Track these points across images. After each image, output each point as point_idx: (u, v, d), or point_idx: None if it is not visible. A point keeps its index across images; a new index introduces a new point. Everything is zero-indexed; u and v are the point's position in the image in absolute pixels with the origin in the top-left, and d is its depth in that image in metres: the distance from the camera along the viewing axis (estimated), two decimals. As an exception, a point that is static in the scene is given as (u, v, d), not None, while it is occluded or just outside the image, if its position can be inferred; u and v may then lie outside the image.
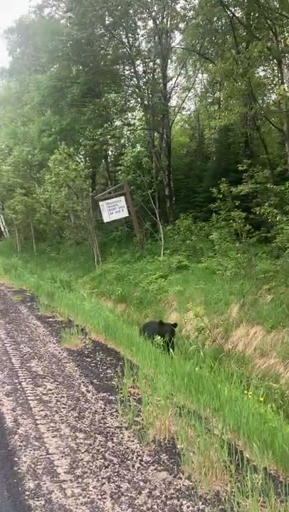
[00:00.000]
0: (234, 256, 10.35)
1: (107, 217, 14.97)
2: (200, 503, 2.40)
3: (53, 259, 18.82)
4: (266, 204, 10.09)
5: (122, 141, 18.54)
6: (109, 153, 21.02)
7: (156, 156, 16.80)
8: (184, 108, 22.99)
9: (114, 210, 14.83)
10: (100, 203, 14.98)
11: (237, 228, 11.39)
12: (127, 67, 19.70)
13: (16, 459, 2.86)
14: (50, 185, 16.43)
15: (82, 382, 4.32)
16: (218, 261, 11.15)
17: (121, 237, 17.41)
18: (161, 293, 11.22)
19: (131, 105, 19.85)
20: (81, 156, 21.94)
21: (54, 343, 5.68)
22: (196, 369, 4.59)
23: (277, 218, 9.45)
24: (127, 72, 19.92)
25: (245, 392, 4.26)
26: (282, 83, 12.39)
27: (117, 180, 17.67)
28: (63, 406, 3.72)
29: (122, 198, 14.79)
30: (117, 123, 18.80)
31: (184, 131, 25.30)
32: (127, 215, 15.00)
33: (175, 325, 6.31)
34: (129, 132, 18.14)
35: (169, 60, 19.20)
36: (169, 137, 18.66)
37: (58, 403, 3.78)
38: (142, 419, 3.41)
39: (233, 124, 15.12)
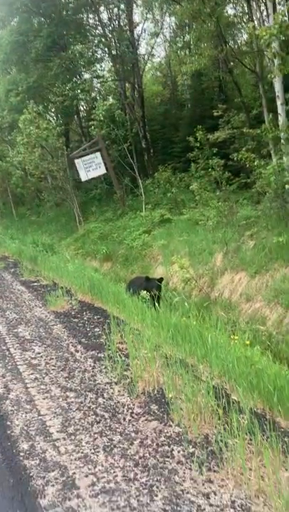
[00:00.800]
0: (215, 205, 10.32)
1: (84, 176, 14.67)
2: (190, 447, 2.48)
3: (34, 223, 18.61)
4: (243, 149, 9.96)
5: (93, 94, 17.97)
6: (81, 108, 20.39)
7: (130, 108, 16.37)
8: (153, 55, 22.14)
9: (91, 167, 14.51)
10: (76, 161, 14.63)
11: (216, 176, 11.31)
12: (90, 16, 18.85)
13: (8, 423, 2.91)
14: (22, 147, 15.95)
15: (71, 342, 4.35)
16: (200, 211, 11.13)
17: (101, 195, 17.19)
18: (146, 248, 11.24)
19: (99, 56, 19.06)
20: (52, 114, 21.27)
21: (40, 307, 5.69)
22: (183, 319, 4.64)
23: (255, 163, 9.37)
24: (91, 21, 19.07)
25: (232, 337, 4.34)
26: (252, 20, 11.94)
27: (91, 136, 17.23)
28: (53, 368, 3.76)
29: (98, 154, 14.45)
30: (86, 76, 18.10)
31: (156, 80, 24.54)
32: (105, 171, 14.72)
33: (161, 279, 6.34)
34: (99, 85, 17.57)
35: (134, 5, 18.34)
36: (141, 87, 18.09)
37: (48, 365, 3.82)
38: (131, 373, 3.47)
39: (205, 68, 14.71)
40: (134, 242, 11.81)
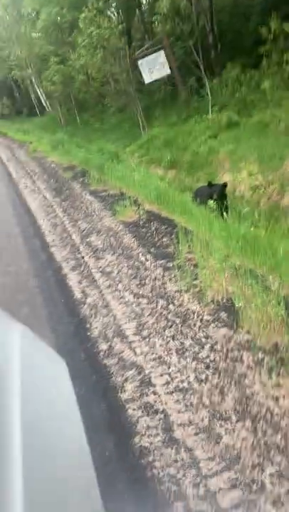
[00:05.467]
0: None
1: (148, 78, 13.98)
2: (259, 353, 2.59)
3: (97, 130, 18.39)
4: None
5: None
6: (143, 1, 18.85)
7: (196, -2, 14.89)
8: None
9: (155, 68, 13.75)
10: (139, 62, 13.90)
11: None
12: None
13: (88, 325, 3.17)
14: (84, 50, 15.30)
15: (140, 251, 4.49)
16: (272, 113, 10.41)
17: (165, 98, 16.43)
18: (212, 154, 10.85)
19: None
20: (113, 10, 19.91)
21: (109, 217, 5.83)
22: (251, 229, 4.59)
23: None
24: None
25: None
26: None
27: (154, 33, 16.10)
28: (125, 275, 3.95)
29: (162, 52, 13.59)
30: None
31: None
32: (169, 72, 13.92)
33: (225, 185, 6.17)
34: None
35: None
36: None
37: (120, 273, 4.01)
38: (200, 282, 3.57)
39: None
40: (199, 147, 11.42)
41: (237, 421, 2.10)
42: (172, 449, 2.00)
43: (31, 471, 0.76)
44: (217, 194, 5.70)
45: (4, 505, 0.68)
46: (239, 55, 14.92)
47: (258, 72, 12.90)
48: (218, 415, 2.15)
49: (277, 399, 2.19)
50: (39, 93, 26.44)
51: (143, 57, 13.82)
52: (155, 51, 13.75)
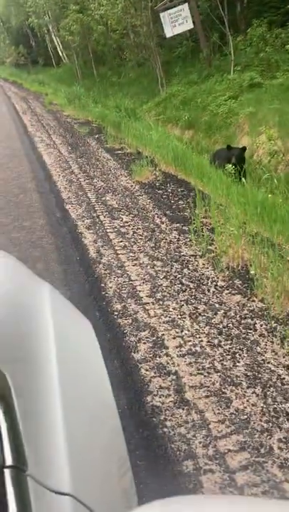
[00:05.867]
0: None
1: (169, 31, 13.40)
2: (272, 322, 2.61)
3: (115, 85, 17.90)
4: None
5: None
6: None
7: None
8: None
9: (178, 21, 13.15)
10: (161, 15, 13.28)
11: None
12: None
13: (102, 285, 3.19)
14: (104, -1, 14.68)
15: (156, 214, 4.47)
16: (296, 75, 10.04)
17: (186, 54, 15.84)
18: (232, 116, 10.56)
19: None
20: None
21: (125, 176, 5.77)
22: (270, 196, 4.53)
23: None
24: None
25: None
26: None
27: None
28: (140, 237, 3.95)
29: (186, 5, 12.96)
30: None
31: None
32: (192, 26, 13.31)
33: (244, 148, 6.04)
34: None
35: None
36: None
37: (135, 235, 4.01)
38: (216, 248, 3.56)
39: None
40: (219, 108, 11.09)
41: (248, 387, 2.14)
42: (183, 409, 2.05)
43: (68, 416, 0.82)
44: (236, 158, 5.59)
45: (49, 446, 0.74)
46: (266, 10, 14.22)
47: (285, 31, 12.34)
48: (229, 380, 2.20)
49: (288, 367, 2.23)
50: (56, 43, 25.59)
51: (166, 9, 13.21)
52: (179, 3, 13.13)
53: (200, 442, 1.88)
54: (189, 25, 13.20)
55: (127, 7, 14.71)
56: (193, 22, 13.19)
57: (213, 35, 14.24)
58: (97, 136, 8.42)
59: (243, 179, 5.12)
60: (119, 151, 7.16)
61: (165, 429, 1.96)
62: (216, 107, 11.24)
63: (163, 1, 14.24)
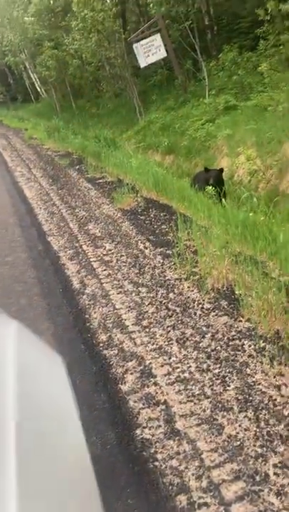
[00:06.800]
0: (287, 88, 9.43)
1: (143, 62, 13.72)
2: (261, 341, 2.56)
3: (94, 116, 18.19)
4: None
5: None
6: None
7: (191, -22, 14.57)
8: None
9: (151, 51, 13.48)
10: (134, 46, 13.63)
11: (289, 54, 10.19)
12: None
13: (87, 316, 3.13)
14: (78, 33, 15.01)
15: (139, 239, 4.45)
16: (269, 95, 10.26)
17: (162, 82, 16.18)
18: (210, 139, 10.73)
19: None
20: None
21: (107, 205, 5.77)
22: (251, 215, 4.54)
23: None
24: None
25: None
26: None
27: (149, 15, 15.78)
28: (124, 264, 3.91)
29: (158, 35, 13.32)
30: None
31: None
32: (165, 55, 13.65)
33: (221, 170, 6.11)
34: None
35: None
36: None
37: (119, 262, 3.97)
38: (200, 270, 3.53)
39: None
40: (197, 132, 11.28)
41: (239, 411, 2.08)
42: (174, 440, 1.98)
43: (26, 468, 0.73)
44: (213, 179, 5.65)
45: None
46: (236, 36, 14.67)
47: (255, 55, 12.70)
48: (219, 405, 2.13)
49: (279, 388, 2.17)
50: (34, 79, 26.09)
51: (138, 40, 13.56)
52: (151, 34, 13.49)
53: (193, 474, 1.80)
54: (162, 54, 13.54)
55: (101, 40, 15.07)
56: (166, 50, 13.54)
57: (186, 62, 14.61)
58: (77, 167, 8.47)
59: (223, 200, 5.15)
60: (101, 180, 7.19)
61: (156, 463, 1.88)
62: (194, 131, 11.43)
63: (136, 32, 14.65)
